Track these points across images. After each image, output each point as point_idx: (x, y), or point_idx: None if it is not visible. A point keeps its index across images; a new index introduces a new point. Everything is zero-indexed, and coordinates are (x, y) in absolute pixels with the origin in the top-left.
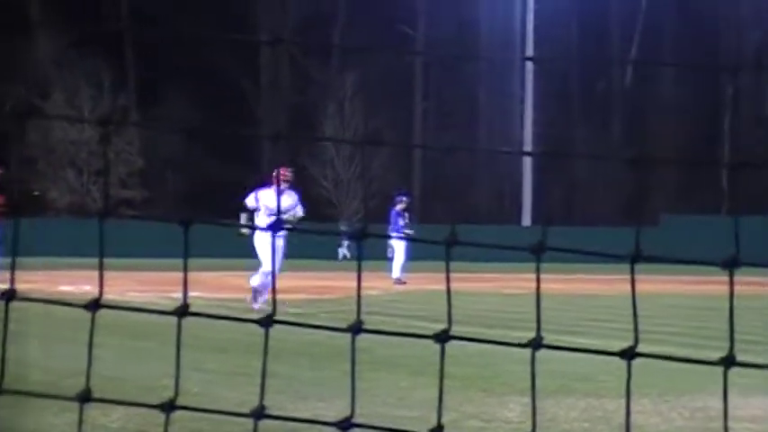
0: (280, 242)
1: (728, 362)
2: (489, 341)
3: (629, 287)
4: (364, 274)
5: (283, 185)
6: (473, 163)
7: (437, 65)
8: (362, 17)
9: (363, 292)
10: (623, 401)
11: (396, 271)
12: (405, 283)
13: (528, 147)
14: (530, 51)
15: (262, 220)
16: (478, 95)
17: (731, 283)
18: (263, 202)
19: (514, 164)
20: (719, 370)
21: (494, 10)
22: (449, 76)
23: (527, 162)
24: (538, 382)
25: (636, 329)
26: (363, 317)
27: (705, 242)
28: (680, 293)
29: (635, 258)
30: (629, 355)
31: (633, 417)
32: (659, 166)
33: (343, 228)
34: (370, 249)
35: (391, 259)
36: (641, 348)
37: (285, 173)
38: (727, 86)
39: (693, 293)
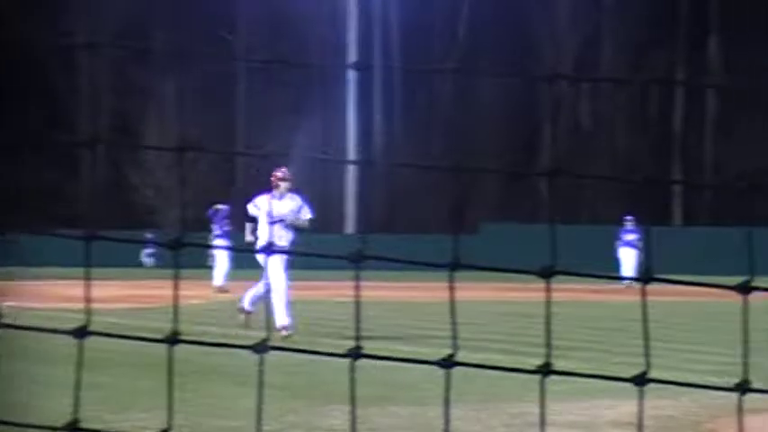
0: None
1: (546, 370)
2: (310, 351)
3: (450, 294)
4: (185, 283)
5: (282, 188)
6: (295, 171)
7: (258, 71)
8: (182, 22)
9: (184, 301)
10: (444, 409)
11: (218, 279)
12: (227, 291)
13: (351, 155)
14: (352, 58)
15: (264, 227)
16: (301, 102)
17: (547, 290)
18: (263, 208)
19: (337, 172)
20: (538, 376)
21: (317, 15)
22: (271, 83)
23: (350, 170)
24: (361, 390)
25: (455, 337)
26: (184, 326)
27: (524, 250)
28: (499, 301)
29: (454, 266)
30: (449, 363)
31: (454, 424)
32: (480, 174)
33: (149, 235)
34: (189, 257)
35: (213, 267)
36: (462, 355)
37: (279, 174)
38: (546, 95)
39: (512, 300)
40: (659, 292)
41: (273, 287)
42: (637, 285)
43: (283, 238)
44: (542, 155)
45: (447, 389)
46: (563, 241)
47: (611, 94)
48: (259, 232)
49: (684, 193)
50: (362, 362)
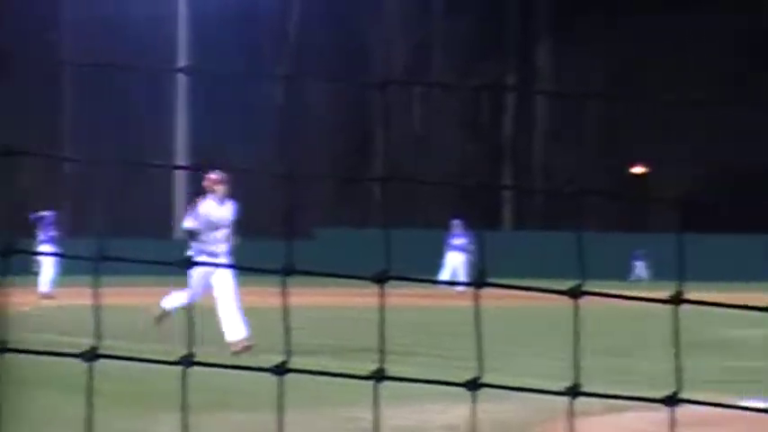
0: (222, 262)
1: (380, 375)
2: (141, 359)
3: (283, 300)
4: (9, 290)
5: (220, 192)
6: (124, 176)
7: (85, 74)
8: (4, 23)
9: (10, 308)
10: (277, 415)
11: (43, 285)
12: (53, 297)
13: (181, 159)
14: (183, 61)
15: (206, 237)
16: (131, 106)
17: (382, 296)
18: (204, 214)
19: (167, 177)
20: (372, 381)
21: (146, 16)
22: (99, 86)
23: (180, 175)
24: (193, 397)
25: (289, 342)
26: (9, 334)
27: (357, 254)
28: (333, 306)
29: (288, 272)
30: (282, 370)
31: (287, 429)
32: (313, 179)
33: None
34: (15, 263)
35: (38, 273)
36: (295, 361)
37: (214, 177)
38: (378, 100)
39: (346, 306)
40: (493, 297)
41: (222, 296)
42: (467, 290)
43: (224, 246)
44: (375, 160)
45: (280, 395)
46: (397, 245)
47: (442, 100)
48: (204, 245)
49: (515, 197)
50: (195, 368)
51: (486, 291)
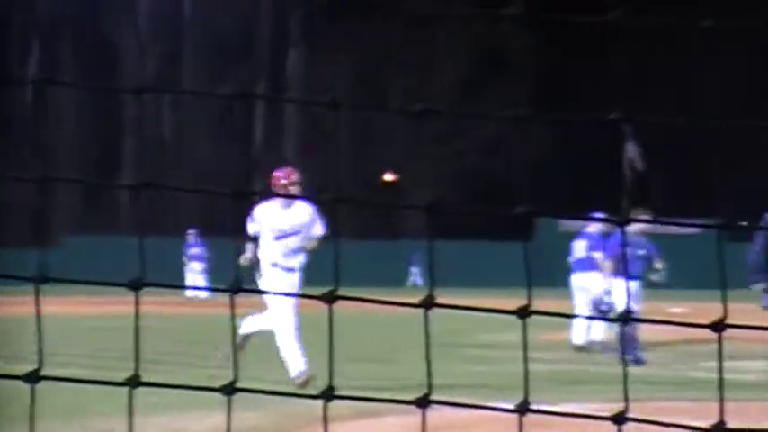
0: (292, 279)
1: (135, 382)
2: None
3: (36, 309)
4: None
5: (291, 193)
6: None
7: None
8: None
9: None
10: (29, 425)
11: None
12: None
13: None
14: None
15: (268, 246)
16: None
17: (137, 303)
18: (264, 220)
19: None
20: (124, 390)
21: None
22: None
23: None
24: None
25: (40, 351)
26: None
27: (106, 262)
28: (84, 315)
29: (40, 280)
30: (34, 378)
31: None
32: (61, 186)
33: None
34: None
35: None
36: (48, 371)
37: (281, 175)
38: (128, 109)
39: (97, 314)
40: (249, 304)
41: (280, 327)
42: (213, 297)
43: (294, 258)
44: (125, 167)
45: (32, 404)
46: (150, 253)
47: (193, 107)
48: (262, 253)
49: None
50: None
51: (240, 298)
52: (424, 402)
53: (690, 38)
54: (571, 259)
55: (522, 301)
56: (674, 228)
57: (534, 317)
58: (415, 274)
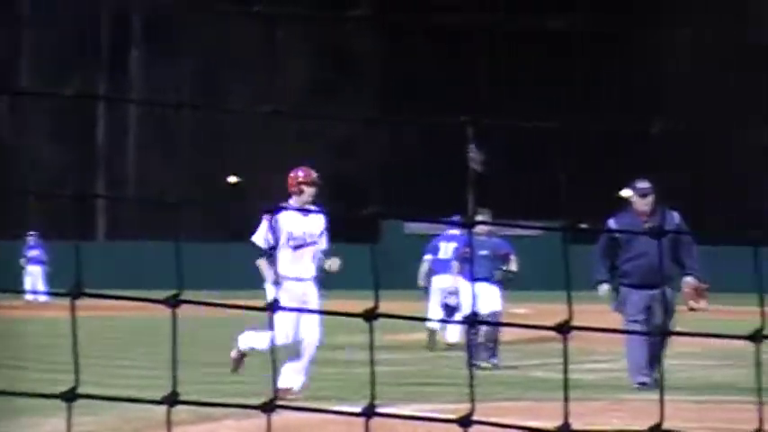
0: (303, 289)
1: None
2: None
3: None
4: None
5: (306, 196)
6: None
7: None
8: None
9: None
10: None
11: None
12: None
13: None
14: None
15: (287, 256)
16: None
17: None
18: (284, 226)
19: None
20: None
21: None
22: None
23: None
24: None
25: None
26: None
27: None
28: None
29: None
30: None
31: None
32: None
33: None
34: None
35: None
36: None
37: (301, 175)
38: None
39: None
40: (90, 308)
41: (307, 339)
42: (51, 300)
43: (308, 268)
44: None
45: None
46: None
47: (34, 107)
48: (281, 265)
49: (109, 208)
50: None
51: (81, 301)
52: (269, 407)
53: (546, 38)
54: (430, 260)
55: (369, 304)
56: (519, 229)
57: (381, 318)
58: None
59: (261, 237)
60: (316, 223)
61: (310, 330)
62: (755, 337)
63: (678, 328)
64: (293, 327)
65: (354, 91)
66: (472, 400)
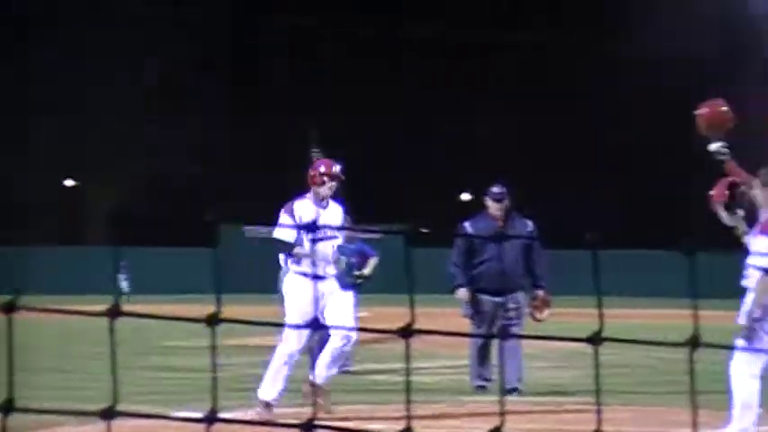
0: (322, 289)
1: None
2: None
3: None
4: None
5: (327, 189)
6: None
7: None
8: None
9: None
10: None
11: None
12: None
13: None
14: None
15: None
16: None
17: None
18: (302, 220)
19: None
20: None
21: None
22: None
23: None
24: None
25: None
26: None
27: None
28: None
29: None
30: None
31: None
32: None
33: None
34: None
35: None
36: None
37: (322, 169)
38: None
39: None
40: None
41: (343, 334)
42: None
43: (327, 266)
44: None
45: None
46: None
47: None
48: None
49: None
50: None
51: None
52: (108, 414)
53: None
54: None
55: (210, 307)
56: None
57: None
58: (122, 281)
59: (285, 231)
60: (334, 216)
61: (337, 323)
62: (594, 339)
63: (520, 331)
64: (306, 330)
65: (200, 93)
66: (314, 404)
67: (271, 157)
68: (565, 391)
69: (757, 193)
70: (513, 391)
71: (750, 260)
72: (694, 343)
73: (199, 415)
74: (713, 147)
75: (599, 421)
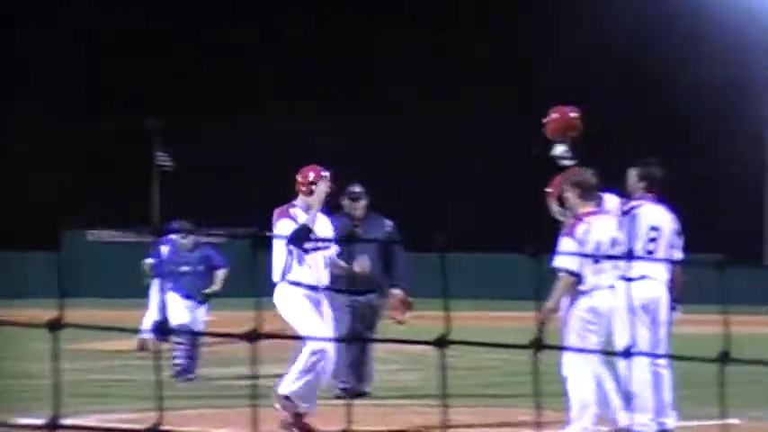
0: (316, 299)
1: None
2: None
3: None
4: None
5: (317, 198)
6: None
7: None
8: None
9: None
10: None
11: None
12: None
13: None
14: None
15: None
16: None
17: None
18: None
19: None
20: None
21: None
22: None
23: None
24: None
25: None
26: None
27: None
28: None
29: None
30: None
31: None
32: None
33: None
34: None
35: None
36: None
37: (311, 175)
38: None
39: None
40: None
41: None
42: None
43: (324, 276)
44: None
45: None
46: None
47: None
48: (294, 272)
49: None
50: None
51: None
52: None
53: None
54: (152, 263)
55: (53, 312)
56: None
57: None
58: None
59: (297, 234)
60: (325, 226)
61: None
62: (441, 342)
63: (375, 335)
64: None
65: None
66: (160, 409)
67: (121, 160)
68: (413, 393)
69: (569, 194)
70: (363, 394)
71: (555, 261)
72: (538, 345)
73: (41, 421)
74: (558, 151)
75: (444, 423)
